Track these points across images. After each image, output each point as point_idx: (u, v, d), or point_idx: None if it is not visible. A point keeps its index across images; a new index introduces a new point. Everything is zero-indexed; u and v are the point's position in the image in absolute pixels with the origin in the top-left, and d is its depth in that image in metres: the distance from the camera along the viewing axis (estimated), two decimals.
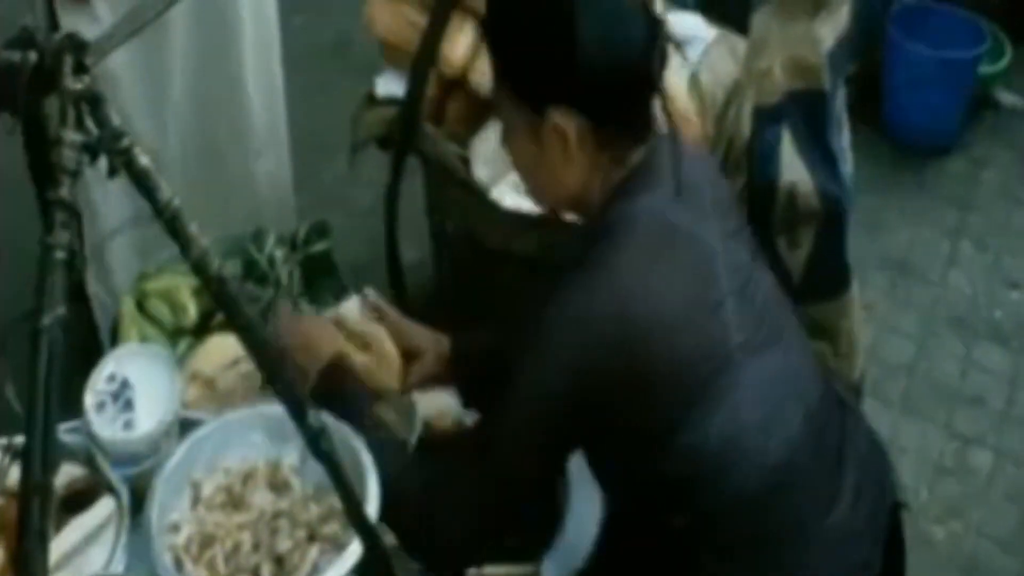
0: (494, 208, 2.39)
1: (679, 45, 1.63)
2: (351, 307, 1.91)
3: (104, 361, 1.80)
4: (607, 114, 1.49)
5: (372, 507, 1.55)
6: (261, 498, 1.70)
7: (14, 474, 1.20)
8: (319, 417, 1.26)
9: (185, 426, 1.78)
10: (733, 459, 1.51)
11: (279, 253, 2.49)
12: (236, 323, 1.21)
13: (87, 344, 2.49)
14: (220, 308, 1.24)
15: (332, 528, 1.64)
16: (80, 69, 1.06)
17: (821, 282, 2.35)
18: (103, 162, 1.10)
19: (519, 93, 1.52)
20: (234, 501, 1.69)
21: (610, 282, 1.44)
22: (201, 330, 2.28)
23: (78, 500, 1.65)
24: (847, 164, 2.40)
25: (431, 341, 1.86)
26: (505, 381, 1.50)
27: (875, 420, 1.82)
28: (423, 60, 2.39)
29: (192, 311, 2.32)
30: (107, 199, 2.45)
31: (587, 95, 1.46)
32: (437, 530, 1.54)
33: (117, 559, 1.59)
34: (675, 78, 2.23)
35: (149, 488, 1.64)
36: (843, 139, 2.40)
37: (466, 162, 2.46)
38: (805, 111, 2.23)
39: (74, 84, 1.05)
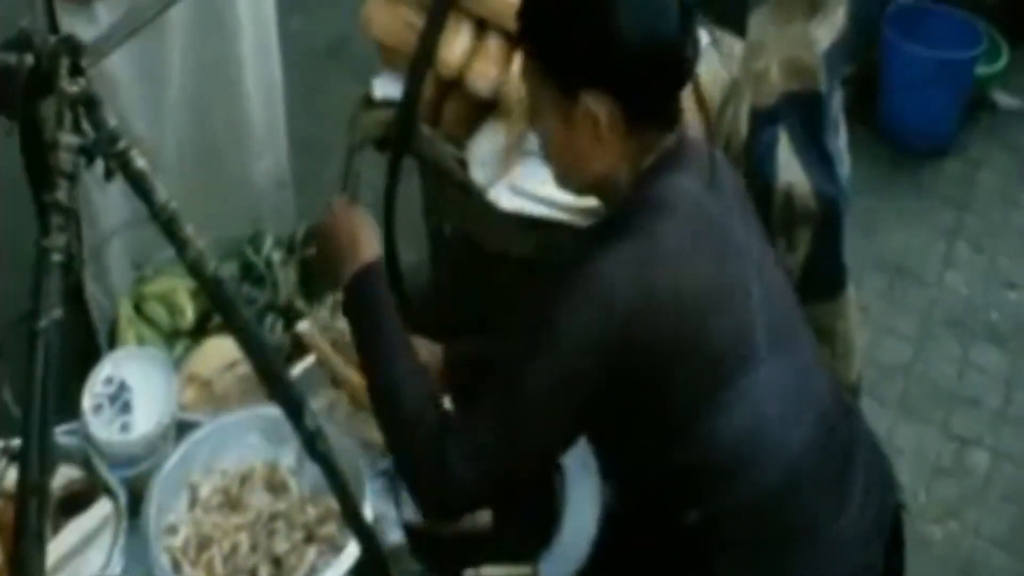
0: (491, 210, 2.39)
1: (715, 37, 1.63)
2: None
3: (101, 363, 1.81)
4: (640, 100, 1.48)
5: (368, 508, 1.55)
6: (258, 500, 1.70)
7: (11, 476, 1.20)
8: (315, 419, 1.26)
9: (182, 428, 1.78)
10: (753, 453, 1.50)
11: (276, 255, 2.49)
12: (233, 325, 1.21)
13: (84, 346, 2.49)
14: (217, 310, 1.24)
15: (329, 529, 1.65)
16: (76, 71, 1.06)
17: (818, 283, 2.35)
18: (100, 165, 1.10)
19: (552, 76, 1.51)
20: (231, 503, 1.70)
21: (652, 249, 1.43)
22: (198, 332, 2.28)
23: (75, 502, 1.66)
24: (844, 165, 2.40)
25: (427, 351, 1.85)
26: (529, 345, 1.46)
27: (872, 421, 1.82)
28: (420, 62, 2.39)
29: (189, 313, 2.33)
30: (105, 201, 2.45)
31: (622, 81, 1.46)
32: (445, 473, 1.47)
33: (114, 561, 1.60)
34: None
35: (146, 490, 1.64)
36: (840, 140, 2.40)
37: (463, 164, 2.45)
38: (801, 112, 2.23)
39: (70, 86, 1.06)
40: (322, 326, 1.93)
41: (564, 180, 1.62)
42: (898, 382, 3.20)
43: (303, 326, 1.93)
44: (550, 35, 1.51)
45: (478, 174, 2.42)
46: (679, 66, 1.49)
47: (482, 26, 2.33)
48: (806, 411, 1.56)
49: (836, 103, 2.34)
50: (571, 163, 1.56)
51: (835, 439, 1.60)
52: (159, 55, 2.47)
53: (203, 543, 1.65)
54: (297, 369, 1.96)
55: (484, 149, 2.41)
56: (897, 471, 1.79)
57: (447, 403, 1.70)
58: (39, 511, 1.02)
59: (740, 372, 1.47)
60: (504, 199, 2.37)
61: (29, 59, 1.06)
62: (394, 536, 1.74)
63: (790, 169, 2.24)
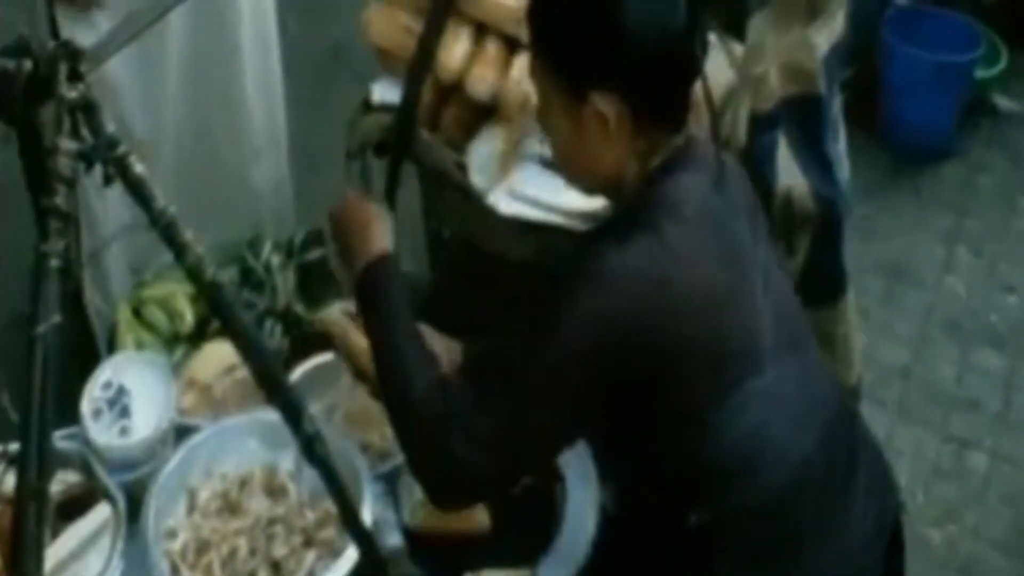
0: (491, 214, 2.39)
1: (723, 36, 1.63)
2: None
3: (100, 368, 1.81)
4: (648, 100, 1.48)
5: (367, 512, 1.55)
6: (257, 504, 1.70)
7: (10, 481, 1.20)
8: (314, 423, 1.26)
9: (181, 432, 1.78)
10: (757, 455, 1.50)
11: (275, 260, 2.49)
12: (232, 329, 1.21)
13: (84, 351, 2.49)
14: (215, 314, 1.24)
15: (328, 533, 1.65)
16: (75, 77, 1.07)
17: (818, 287, 2.35)
18: (99, 170, 1.10)
19: (561, 76, 1.51)
20: (230, 507, 1.70)
21: (659, 247, 1.44)
22: (198, 337, 2.28)
23: (75, 506, 1.66)
24: (843, 169, 2.40)
25: (444, 346, 1.85)
26: (535, 339, 1.46)
27: (872, 424, 1.82)
28: (419, 66, 2.39)
29: (189, 318, 2.33)
30: (104, 206, 2.45)
31: (630, 80, 1.46)
32: (451, 459, 1.47)
33: (113, 565, 1.60)
34: None
35: (146, 494, 1.64)
36: (839, 144, 2.40)
37: (462, 168, 2.45)
38: (801, 116, 2.23)
39: (69, 92, 1.06)
40: (349, 313, 1.89)
41: (573, 179, 1.62)
42: (897, 385, 3.20)
43: (330, 311, 1.89)
44: (558, 36, 1.51)
45: (477, 178, 2.42)
46: (687, 65, 1.49)
47: (481, 30, 2.33)
48: (811, 415, 1.56)
49: (835, 107, 2.34)
50: (580, 162, 1.56)
51: (839, 443, 1.60)
52: (158, 59, 2.48)
53: (202, 547, 1.65)
54: (296, 373, 1.96)
55: (483, 153, 2.41)
56: (896, 473, 1.80)
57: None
58: (37, 515, 1.02)
59: (745, 375, 1.47)
60: (503, 203, 2.37)
61: (28, 65, 1.06)
62: (393, 540, 1.74)
63: (789, 173, 2.24)
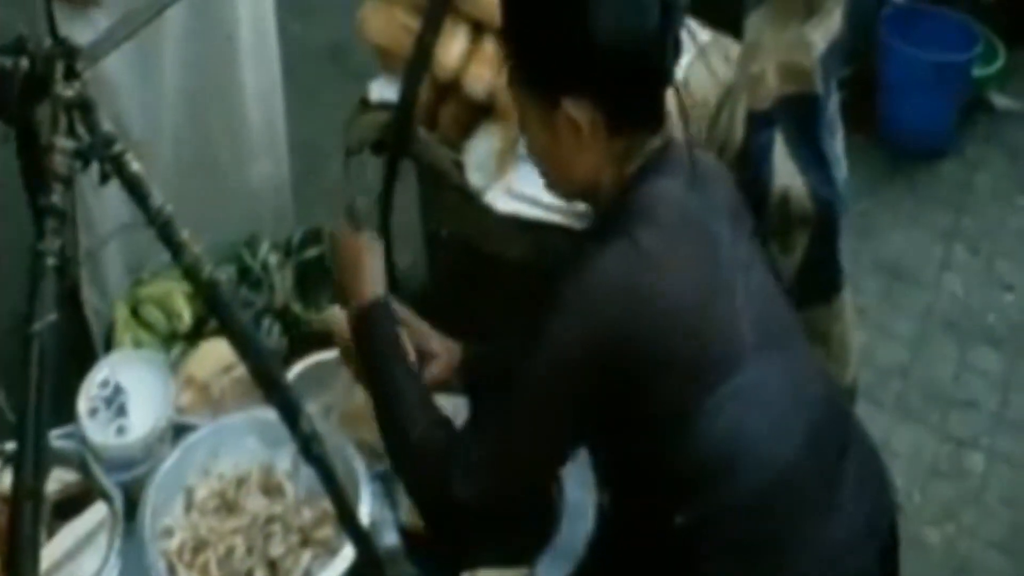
0: (488, 212, 2.39)
1: (693, 34, 1.63)
2: None
3: (97, 366, 1.81)
4: (621, 104, 1.49)
5: (364, 511, 1.55)
6: (254, 503, 1.70)
7: (6, 480, 1.21)
8: (311, 422, 1.26)
9: (179, 431, 1.78)
10: (739, 456, 1.51)
11: (273, 259, 2.49)
12: (229, 328, 1.21)
13: (81, 350, 2.49)
14: (213, 313, 1.24)
15: (325, 533, 1.65)
16: (71, 75, 1.07)
17: (814, 286, 2.35)
18: (95, 168, 1.10)
19: (533, 84, 1.52)
20: (227, 506, 1.70)
21: (634, 254, 1.44)
22: (195, 335, 2.28)
23: (71, 505, 1.66)
24: (840, 168, 2.40)
25: (444, 346, 1.85)
26: (522, 356, 1.48)
27: (869, 423, 1.82)
28: (416, 65, 2.39)
29: (186, 316, 2.33)
30: (101, 205, 2.45)
31: (601, 86, 1.46)
32: (448, 493, 1.50)
33: (110, 564, 1.60)
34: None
35: (142, 493, 1.64)
36: (836, 143, 2.40)
37: (460, 167, 2.46)
38: (797, 115, 2.23)
39: (66, 90, 1.06)
40: None
41: (553, 186, 1.64)
42: (895, 384, 3.20)
43: (332, 311, 1.89)
44: (528, 44, 1.52)
45: (474, 177, 2.43)
46: (658, 69, 1.49)
47: (478, 29, 2.33)
48: (796, 414, 1.56)
49: (832, 105, 2.34)
50: (558, 169, 1.57)
51: (827, 441, 1.60)
52: (156, 57, 2.47)
53: (199, 546, 1.65)
54: (293, 372, 1.96)
55: (480, 152, 2.41)
56: (893, 473, 1.80)
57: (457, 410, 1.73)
58: (33, 514, 1.02)
59: (722, 376, 1.48)
60: (500, 202, 2.37)
61: (24, 63, 1.06)
62: (390, 539, 1.74)
63: (786, 172, 2.24)
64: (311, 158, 3.14)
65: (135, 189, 1.11)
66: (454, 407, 1.93)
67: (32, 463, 1.02)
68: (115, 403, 1.75)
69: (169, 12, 1.83)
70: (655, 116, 1.54)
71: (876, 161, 3.84)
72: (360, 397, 1.94)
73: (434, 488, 1.51)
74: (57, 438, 1.72)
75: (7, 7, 2.17)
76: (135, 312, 2.37)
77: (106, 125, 1.08)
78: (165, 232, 1.13)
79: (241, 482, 1.72)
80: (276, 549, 1.64)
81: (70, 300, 2.52)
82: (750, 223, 1.66)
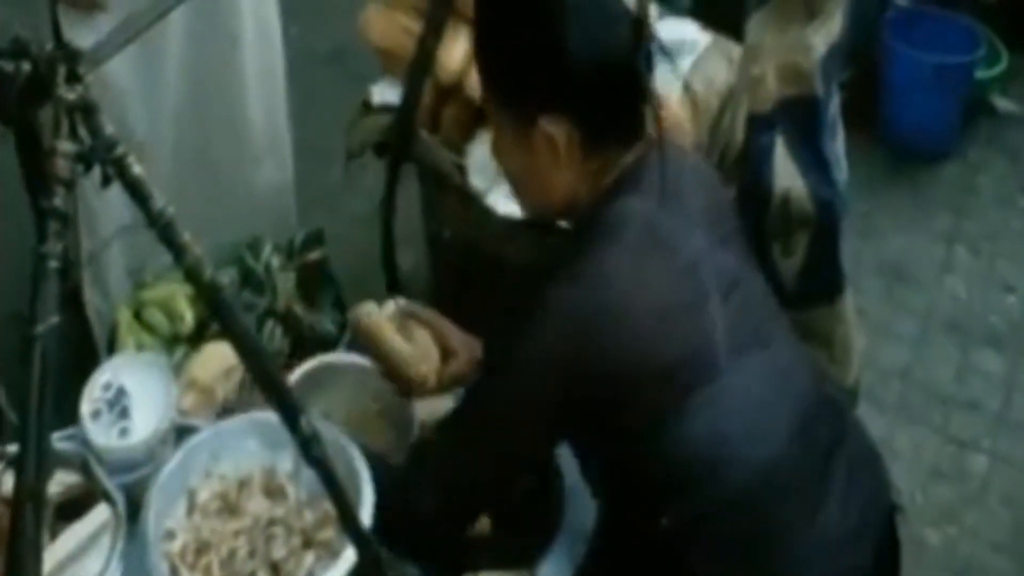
0: (490, 215, 2.40)
1: (667, 50, 1.65)
2: (387, 310, 1.89)
3: (100, 369, 1.81)
4: (595, 119, 1.50)
5: (366, 513, 1.55)
6: (256, 505, 1.70)
7: (8, 482, 1.21)
8: (311, 423, 1.26)
9: (181, 433, 1.78)
10: (719, 459, 1.52)
11: (275, 261, 2.49)
12: (230, 331, 1.21)
13: (83, 353, 2.49)
14: (214, 315, 1.24)
15: (327, 535, 1.65)
16: (73, 78, 1.07)
17: (816, 288, 2.36)
18: (97, 171, 1.10)
19: (508, 103, 1.53)
20: (230, 508, 1.70)
21: (596, 276, 1.47)
22: (198, 338, 2.28)
23: (74, 507, 1.66)
24: (842, 170, 2.40)
25: (464, 343, 1.87)
26: (486, 369, 1.54)
27: (870, 425, 1.83)
28: (418, 67, 2.39)
29: (189, 319, 2.33)
30: (104, 207, 2.45)
31: (575, 101, 1.48)
32: (410, 507, 1.56)
33: (113, 566, 1.60)
34: (666, 85, 2.23)
35: (145, 495, 1.64)
36: (837, 145, 2.40)
37: (462, 169, 2.46)
38: (798, 117, 2.23)
39: (68, 93, 1.06)
40: (386, 314, 1.89)
41: (529, 207, 1.66)
42: (896, 386, 3.20)
43: (363, 307, 1.89)
44: (501, 63, 1.54)
45: (477, 179, 2.43)
46: (632, 82, 1.51)
47: None
48: (781, 410, 1.57)
49: (833, 107, 2.35)
50: (535, 189, 1.59)
51: (812, 442, 1.60)
52: (159, 61, 2.48)
53: (201, 548, 1.65)
54: (295, 375, 1.96)
55: (482, 154, 2.41)
56: (895, 474, 1.80)
57: None
58: (36, 517, 1.02)
59: (695, 384, 1.49)
60: (502, 204, 2.37)
61: (26, 66, 1.06)
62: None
63: (787, 174, 2.24)
64: (313, 161, 3.14)
65: (136, 191, 1.11)
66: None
67: (34, 465, 1.02)
68: (118, 406, 1.75)
69: (172, 15, 1.84)
70: (630, 131, 1.55)
71: (878, 163, 3.84)
72: (363, 400, 1.95)
73: (395, 506, 1.56)
74: (60, 440, 1.72)
75: (11, 10, 2.18)
76: (137, 315, 2.37)
77: (108, 128, 1.08)
78: (166, 234, 1.13)
79: (243, 484, 1.72)
80: (278, 551, 1.64)
81: (72, 303, 2.52)
82: (733, 222, 1.67)
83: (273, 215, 2.83)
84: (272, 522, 1.68)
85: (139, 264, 2.52)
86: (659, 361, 1.47)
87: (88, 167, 1.08)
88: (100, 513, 1.65)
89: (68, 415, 1.70)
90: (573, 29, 1.46)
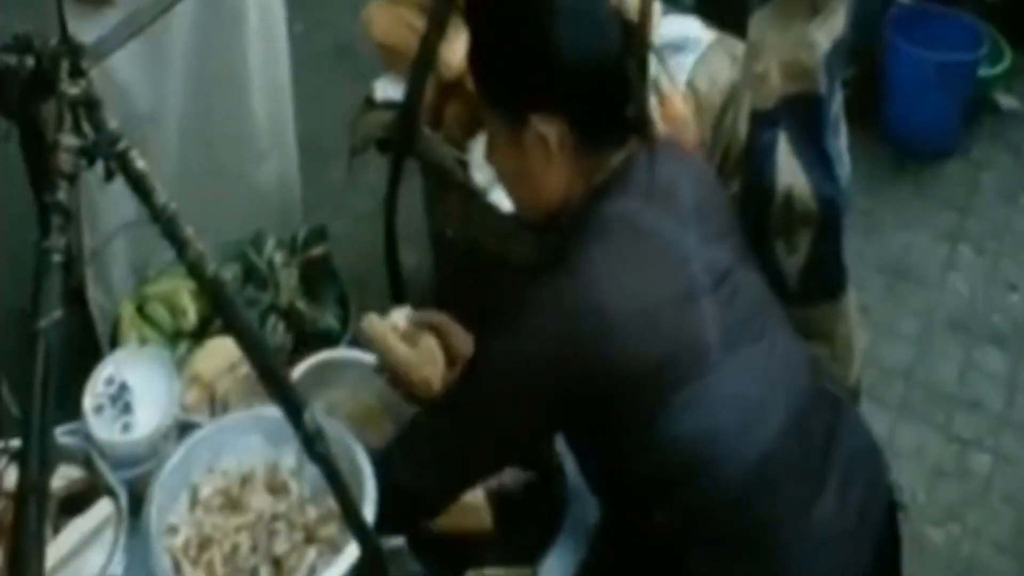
0: (493, 211, 2.40)
1: (658, 50, 1.66)
2: (398, 317, 1.89)
3: (103, 364, 1.81)
4: (586, 118, 1.51)
5: (369, 509, 1.56)
6: (259, 501, 1.70)
7: (11, 477, 1.21)
8: (315, 419, 1.26)
9: (184, 429, 1.78)
10: (711, 454, 1.52)
11: (278, 257, 2.50)
12: (233, 326, 1.21)
13: (86, 347, 2.49)
14: (217, 311, 1.24)
15: (330, 530, 1.65)
16: (77, 73, 1.07)
17: (818, 285, 2.35)
18: (100, 166, 1.10)
19: (500, 103, 1.55)
20: (232, 503, 1.70)
21: (581, 275, 1.48)
22: (201, 333, 2.29)
23: (77, 502, 1.66)
24: (844, 167, 2.40)
25: (464, 340, 1.87)
26: (475, 363, 1.56)
27: (873, 423, 1.82)
28: (421, 64, 2.39)
29: (192, 314, 2.33)
30: (107, 202, 2.46)
31: (566, 100, 1.49)
32: (391, 485, 1.57)
33: (116, 561, 1.60)
34: (668, 82, 2.23)
35: (148, 490, 1.64)
36: (840, 142, 2.40)
37: (464, 165, 2.46)
38: (801, 114, 2.23)
39: (71, 88, 1.06)
40: (391, 324, 1.89)
41: (523, 208, 1.67)
42: (899, 384, 3.20)
43: (369, 318, 1.89)
44: (493, 64, 1.55)
45: (479, 176, 2.43)
46: (622, 81, 1.52)
47: None
48: (774, 405, 1.58)
49: (836, 105, 2.34)
50: (528, 190, 1.60)
51: (807, 438, 1.60)
52: (164, 56, 2.48)
53: (204, 543, 1.65)
54: (298, 370, 1.97)
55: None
56: (897, 473, 1.80)
57: None
58: (39, 511, 1.02)
59: (684, 379, 1.50)
60: (505, 200, 2.37)
61: (30, 61, 1.06)
62: (395, 537, 1.74)
63: (790, 171, 2.24)
64: (316, 157, 3.14)
65: (140, 186, 1.11)
66: None
67: (37, 460, 1.02)
68: (121, 400, 1.75)
69: (176, 12, 1.84)
70: (621, 129, 1.56)
71: (881, 161, 3.83)
72: (365, 397, 1.95)
73: (379, 483, 1.58)
74: (63, 435, 1.72)
75: (19, 6, 2.18)
76: (140, 310, 2.38)
77: (111, 123, 1.08)
78: (169, 229, 1.13)
79: (246, 480, 1.72)
80: (281, 547, 1.64)
81: (75, 297, 2.52)
82: (728, 218, 1.68)
83: (277, 211, 2.83)
84: (275, 518, 1.68)
85: (142, 259, 2.53)
86: (648, 357, 1.48)
87: (91, 162, 1.08)
88: (103, 508, 1.65)
89: (71, 410, 1.71)
90: (563, 30, 1.48)
